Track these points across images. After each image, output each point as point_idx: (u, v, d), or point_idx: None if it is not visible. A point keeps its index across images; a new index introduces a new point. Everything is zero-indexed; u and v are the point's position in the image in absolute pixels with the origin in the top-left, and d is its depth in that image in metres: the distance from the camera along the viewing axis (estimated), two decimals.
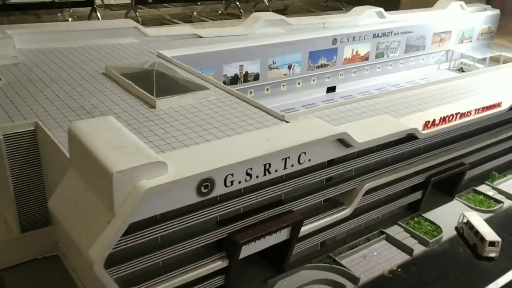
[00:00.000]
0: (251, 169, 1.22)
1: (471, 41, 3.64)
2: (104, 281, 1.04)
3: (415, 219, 1.75)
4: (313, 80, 2.92)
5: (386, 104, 1.74)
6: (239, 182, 1.22)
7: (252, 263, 1.45)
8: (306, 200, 1.43)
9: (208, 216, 1.22)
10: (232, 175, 1.19)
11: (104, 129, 1.18)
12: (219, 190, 1.19)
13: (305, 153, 1.32)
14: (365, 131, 1.45)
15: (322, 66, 2.95)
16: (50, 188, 1.48)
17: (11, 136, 1.40)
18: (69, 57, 2.10)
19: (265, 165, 1.25)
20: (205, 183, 1.15)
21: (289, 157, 1.29)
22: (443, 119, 1.65)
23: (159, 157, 1.07)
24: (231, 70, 2.47)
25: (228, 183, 1.19)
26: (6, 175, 1.43)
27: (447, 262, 1.57)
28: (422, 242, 1.63)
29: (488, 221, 1.66)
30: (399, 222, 1.71)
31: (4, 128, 1.36)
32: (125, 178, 1.02)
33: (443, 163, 1.80)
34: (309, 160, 1.33)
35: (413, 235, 1.67)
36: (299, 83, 2.86)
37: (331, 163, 1.44)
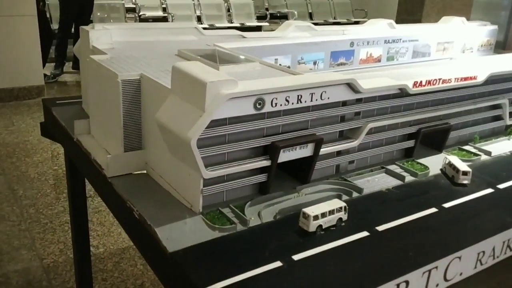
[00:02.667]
0: (289, 96, 1.85)
1: (472, 51, 4.25)
2: (195, 154, 1.66)
3: (409, 162, 2.32)
4: None
5: (388, 74, 2.33)
6: (281, 105, 1.84)
7: (285, 179, 2.06)
8: (326, 129, 2.03)
9: (259, 126, 1.83)
10: (276, 98, 1.83)
11: (196, 65, 1.84)
12: (267, 108, 1.81)
13: (325, 91, 1.95)
14: (369, 84, 2.07)
15: (341, 64, 3.60)
16: (145, 119, 2.14)
17: (125, 81, 2.08)
18: (150, 46, 2.79)
19: (298, 95, 1.87)
20: (259, 101, 1.78)
21: (314, 93, 1.92)
22: (429, 82, 2.25)
23: (233, 78, 1.72)
24: (268, 62, 3.12)
25: (274, 104, 1.81)
26: (120, 110, 2.10)
27: (430, 186, 2.13)
28: (413, 174, 2.19)
29: (467, 166, 2.18)
30: (396, 162, 2.29)
31: (121, 76, 2.04)
32: (214, 86, 1.65)
33: (432, 120, 2.39)
34: (328, 98, 1.95)
35: (406, 170, 2.24)
36: None
37: (344, 104, 2.06)
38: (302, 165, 1.86)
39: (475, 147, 2.32)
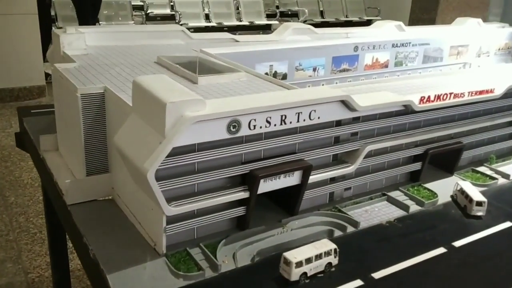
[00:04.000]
0: (270, 117, 1.57)
1: (488, 55, 3.91)
2: (154, 189, 1.39)
3: (415, 187, 2.02)
4: (336, 83, 3.26)
5: (391, 87, 2.04)
6: (260, 127, 1.56)
7: (269, 209, 1.78)
8: (316, 153, 1.75)
9: (235, 152, 1.56)
10: (255, 120, 1.54)
11: (159, 80, 1.56)
12: (244, 131, 1.53)
13: (315, 110, 1.66)
14: (367, 100, 1.77)
15: (344, 70, 3.29)
16: (111, 139, 1.86)
17: (85, 95, 1.81)
18: (128, 51, 2.52)
19: (281, 116, 1.59)
20: (234, 123, 1.50)
21: (301, 112, 1.63)
22: (438, 97, 1.95)
23: (200, 97, 1.44)
24: (262, 68, 2.83)
25: (252, 127, 1.53)
26: (80, 127, 1.83)
27: (439, 218, 1.84)
28: (418, 203, 1.90)
29: (482, 193, 1.87)
30: (400, 188, 1.99)
31: (81, 89, 1.77)
32: (175, 108, 1.38)
33: (441, 139, 2.08)
34: (319, 118, 1.66)
35: (411, 198, 1.95)
36: (323, 84, 3.20)
37: (339, 123, 1.76)
38: (289, 194, 1.58)
39: (491, 169, 2.01)
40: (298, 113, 1.44)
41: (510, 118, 2.08)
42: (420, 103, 1.69)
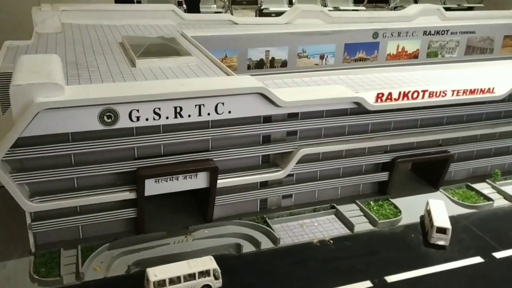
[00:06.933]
0: (159, 108, 1.34)
1: None
2: (2, 180, 1.24)
3: (380, 202, 1.68)
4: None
5: (363, 81, 1.71)
6: (147, 119, 1.34)
7: (188, 213, 1.56)
8: (234, 153, 1.49)
9: (117, 146, 1.36)
10: (138, 110, 1.32)
11: (39, 61, 1.40)
12: (125, 123, 1.32)
13: (223, 103, 1.40)
14: (306, 95, 1.47)
15: (360, 59, 2.91)
16: None
17: (2, 75, 1.71)
18: (105, 31, 2.40)
19: (175, 108, 1.35)
20: (108, 113, 1.30)
21: (203, 104, 1.38)
22: (405, 95, 1.57)
23: (56, 80, 1.25)
24: (256, 54, 2.57)
25: (134, 118, 1.32)
26: None
27: (388, 243, 1.49)
28: (372, 222, 1.57)
29: (466, 216, 1.50)
30: (357, 201, 1.67)
31: None
32: (21, 92, 1.22)
33: (423, 146, 1.71)
34: (229, 112, 1.40)
35: (366, 214, 1.61)
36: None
37: (268, 120, 1.49)
38: (202, 198, 1.35)
39: (493, 187, 1.61)
40: (199, 106, 1.20)
41: None
42: (377, 101, 1.35)
